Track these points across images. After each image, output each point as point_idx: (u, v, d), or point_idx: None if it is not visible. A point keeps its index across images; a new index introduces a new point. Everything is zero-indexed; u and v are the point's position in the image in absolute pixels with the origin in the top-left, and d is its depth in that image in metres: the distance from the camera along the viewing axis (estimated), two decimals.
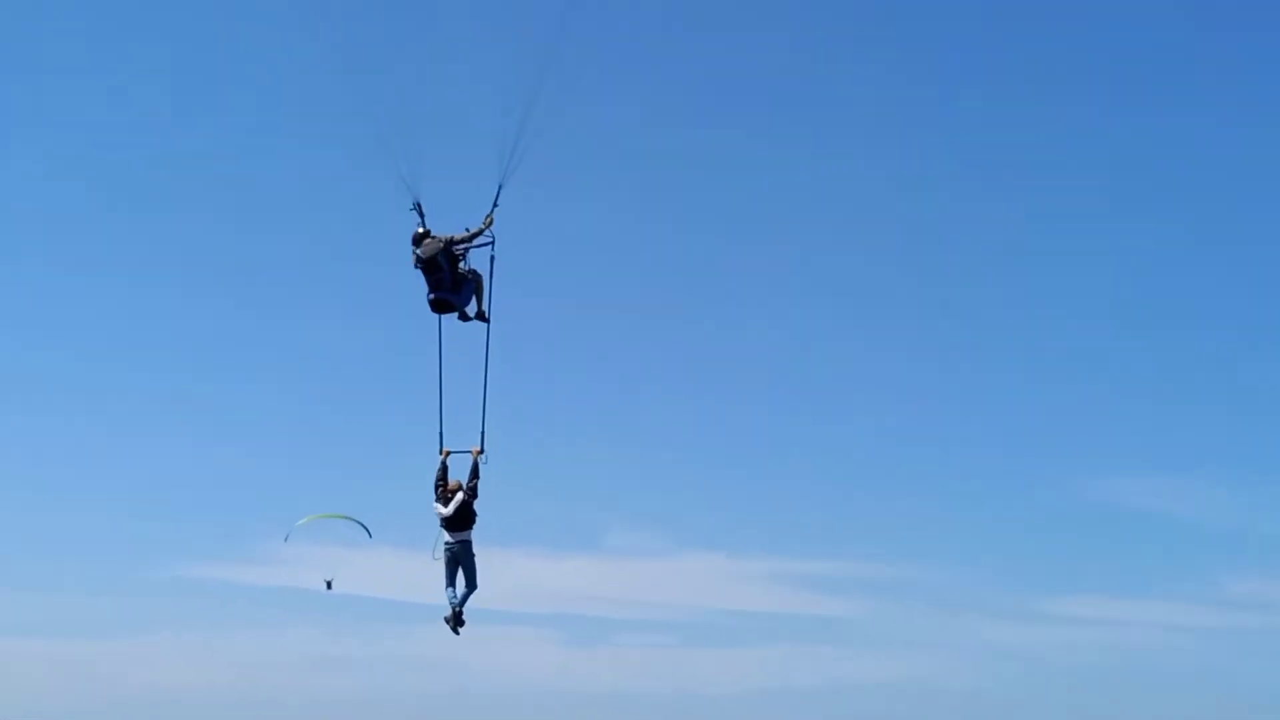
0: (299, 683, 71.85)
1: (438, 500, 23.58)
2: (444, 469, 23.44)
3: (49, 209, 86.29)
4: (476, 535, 23.34)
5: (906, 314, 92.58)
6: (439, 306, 20.87)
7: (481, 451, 22.56)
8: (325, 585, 54.56)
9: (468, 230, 20.41)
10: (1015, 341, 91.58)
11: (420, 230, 20.36)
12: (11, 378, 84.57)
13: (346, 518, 43.97)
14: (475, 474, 23.14)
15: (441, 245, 20.42)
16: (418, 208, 20.16)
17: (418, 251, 20.38)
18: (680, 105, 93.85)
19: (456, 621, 23.44)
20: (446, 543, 23.41)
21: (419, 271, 20.58)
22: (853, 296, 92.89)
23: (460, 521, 23.35)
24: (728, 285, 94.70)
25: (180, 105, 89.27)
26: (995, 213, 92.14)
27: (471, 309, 21.07)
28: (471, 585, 23.54)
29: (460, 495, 23.20)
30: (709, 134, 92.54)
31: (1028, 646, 75.65)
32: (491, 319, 21.23)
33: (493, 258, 20.20)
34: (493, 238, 20.40)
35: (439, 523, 23.60)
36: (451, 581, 23.40)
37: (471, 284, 20.83)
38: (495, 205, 20.06)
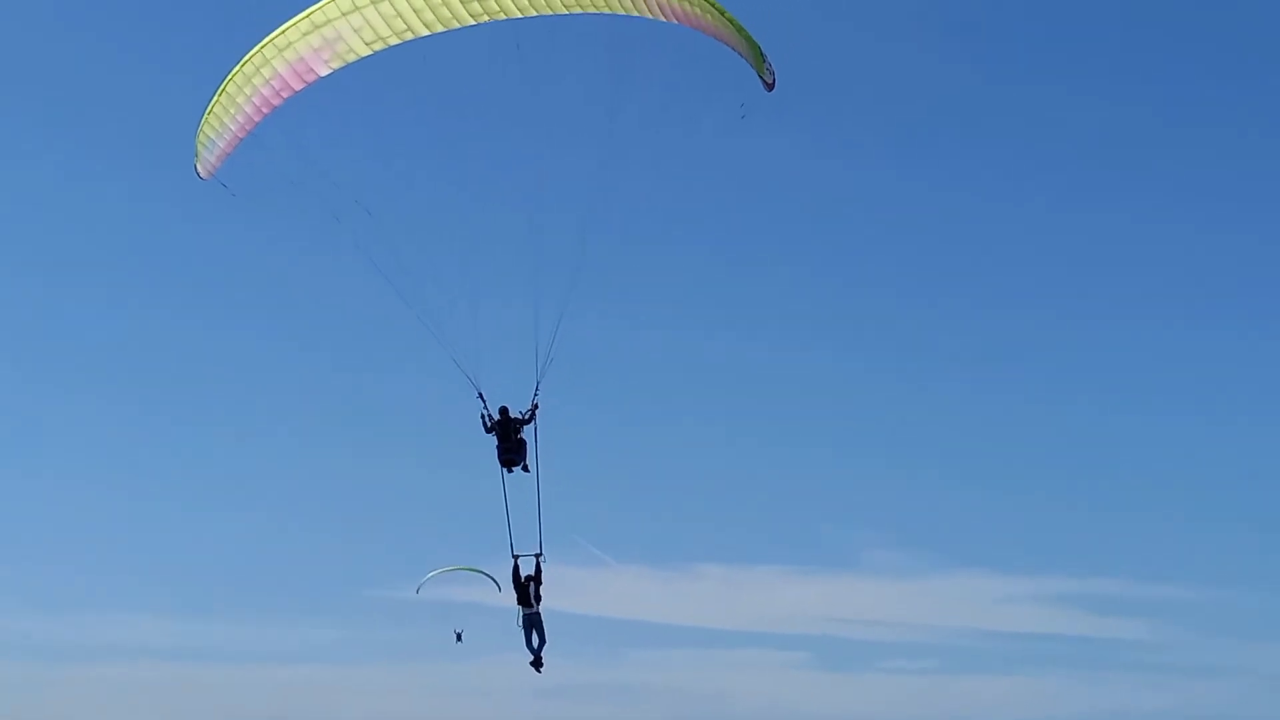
0: (535, 713, 68.44)
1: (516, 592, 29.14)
2: (516, 567, 28.69)
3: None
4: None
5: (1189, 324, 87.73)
6: (507, 464, 26.71)
7: (540, 554, 27.74)
8: (456, 637, 57.27)
9: (521, 414, 26.23)
10: None
11: (486, 420, 26.17)
12: (229, 403, 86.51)
13: (475, 570, 49.51)
14: (539, 572, 28.44)
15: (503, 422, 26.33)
16: (481, 397, 26.06)
17: (488, 428, 26.22)
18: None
19: (538, 664, 28.77)
20: (526, 613, 28.75)
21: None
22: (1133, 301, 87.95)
23: (530, 602, 28.83)
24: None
25: None
26: None
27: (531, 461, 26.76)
28: (543, 640, 28.81)
29: (530, 586, 28.58)
30: None
31: None
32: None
33: (535, 429, 26.03)
34: (534, 416, 26.18)
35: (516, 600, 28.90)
36: (529, 639, 28.74)
37: (525, 444, 26.67)
38: (537, 390, 25.93)
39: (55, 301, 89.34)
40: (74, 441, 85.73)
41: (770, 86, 25.04)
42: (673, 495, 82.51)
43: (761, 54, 24.48)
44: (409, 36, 21.91)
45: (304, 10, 22.47)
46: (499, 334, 24.74)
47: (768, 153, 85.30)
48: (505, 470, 25.64)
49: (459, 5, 22.07)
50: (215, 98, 23.23)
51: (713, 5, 23.36)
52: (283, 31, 22.61)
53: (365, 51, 21.95)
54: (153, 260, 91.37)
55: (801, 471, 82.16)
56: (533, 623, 27.17)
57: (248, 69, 22.77)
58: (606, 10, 22.59)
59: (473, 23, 21.90)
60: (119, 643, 74.67)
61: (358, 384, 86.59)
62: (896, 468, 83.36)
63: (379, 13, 22.26)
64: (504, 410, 25.72)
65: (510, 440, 25.67)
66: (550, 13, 22.14)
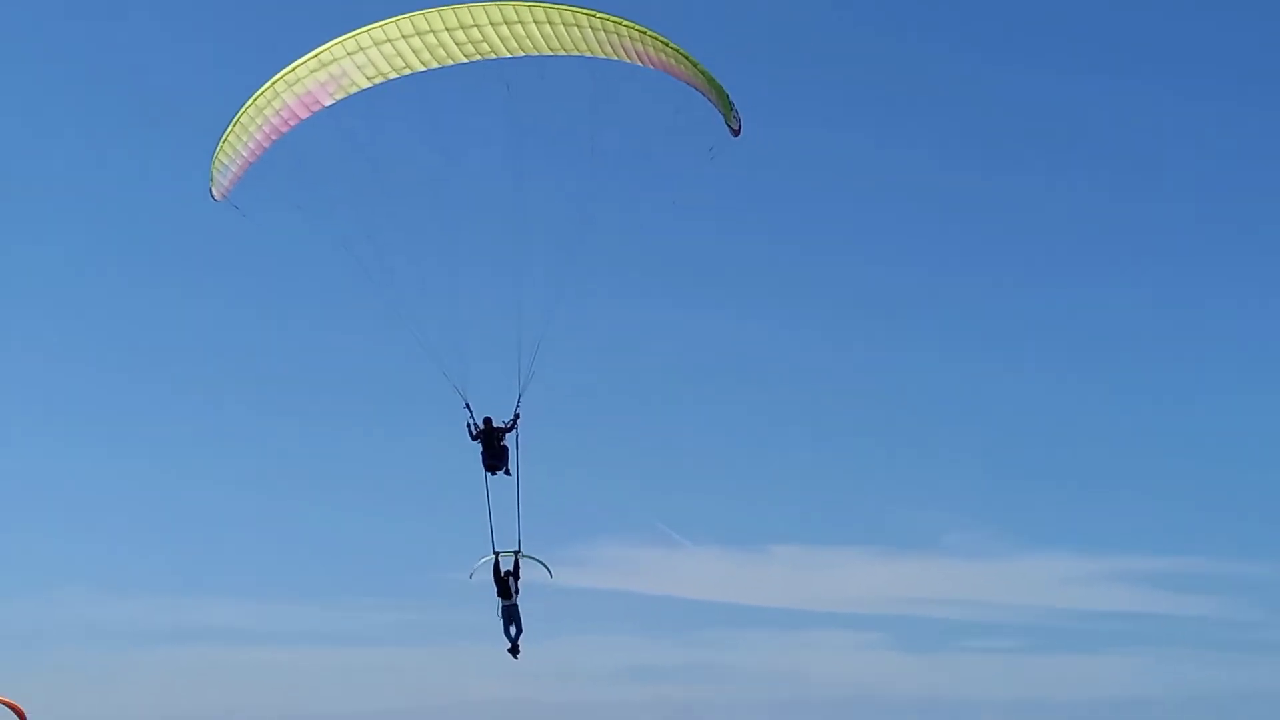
0: (616, 694, 69.21)
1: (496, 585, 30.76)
2: (497, 563, 30.31)
3: None
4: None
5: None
6: (490, 468, 28.76)
7: (519, 550, 29.49)
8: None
9: (504, 424, 28.32)
10: None
11: (472, 429, 28.26)
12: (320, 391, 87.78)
13: (529, 556, 50.51)
14: (517, 567, 30.09)
15: (486, 431, 28.40)
16: (468, 407, 28.15)
17: (473, 436, 28.29)
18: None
19: (515, 652, 30.47)
20: (505, 605, 30.34)
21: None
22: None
23: (509, 595, 30.46)
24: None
25: None
26: None
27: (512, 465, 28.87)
28: (520, 629, 30.30)
29: (509, 580, 30.17)
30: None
31: None
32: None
33: (517, 438, 28.09)
34: (515, 425, 28.29)
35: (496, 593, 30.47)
36: (507, 629, 30.34)
37: (507, 450, 28.80)
38: (519, 402, 28.00)
39: (139, 292, 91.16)
40: (151, 429, 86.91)
41: (736, 133, 27.26)
42: (749, 477, 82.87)
43: (730, 103, 26.73)
44: (406, 72, 24.27)
45: (311, 51, 24.91)
46: (485, 351, 26.89)
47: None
48: (488, 474, 27.70)
49: (454, 46, 24.44)
50: (229, 128, 25.50)
51: (685, 57, 25.64)
52: (293, 69, 24.93)
53: (366, 84, 24.31)
54: (237, 261, 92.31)
55: (878, 453, 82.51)
56: (511, 614, 29.04)
57: (260, 102, 25.06)
58: (587, 54, 24.89)
59: (465, 61, 24.23)
60: (190, 627, 75.41)
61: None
62: (974, 449, 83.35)
63: (380, 53, 24.65)
64: (488, 420, 27.81)
65: (493, 447, 27.74)
66: (535, 54, 24.46)
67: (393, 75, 24.36)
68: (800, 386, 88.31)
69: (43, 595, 75.45)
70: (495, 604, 28.58)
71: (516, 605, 28.72)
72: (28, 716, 49.01)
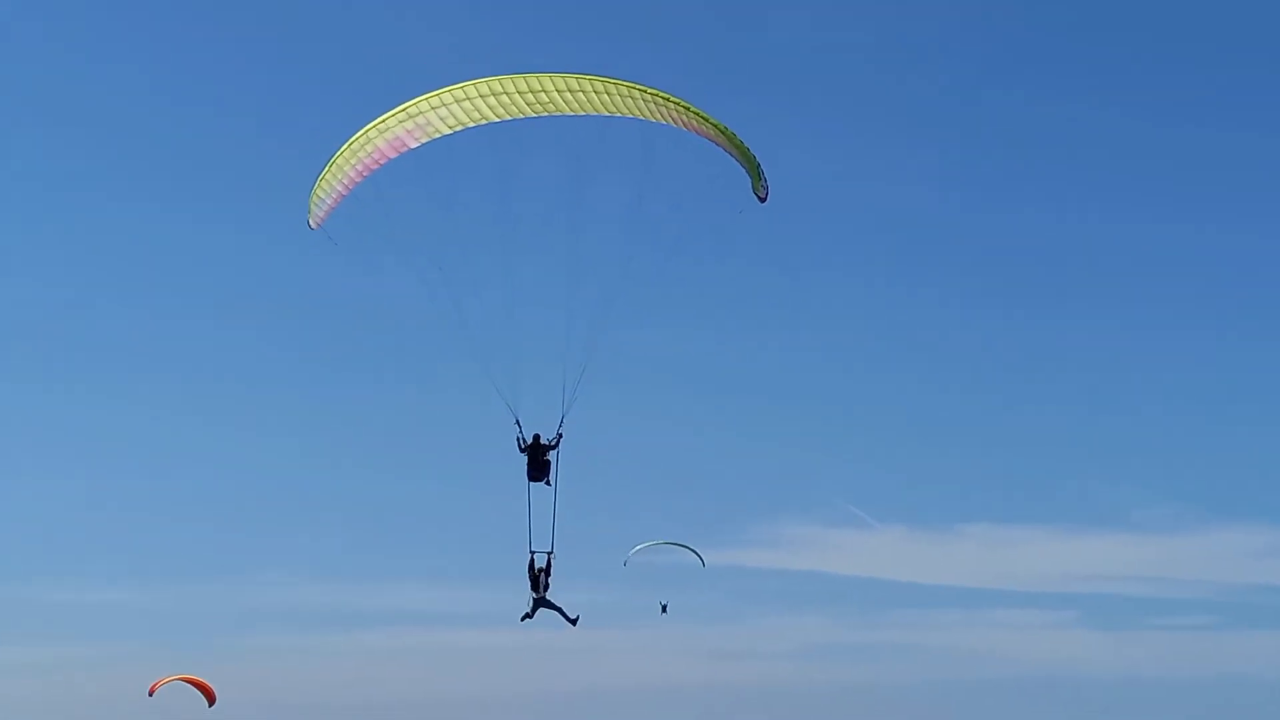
0: (803, 674, 70.48)
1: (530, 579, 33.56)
2: (532, 560, 33.13)
3: None
4: None
5: None
6: (533, 479, 32.29)
7: (551, 551, 32.55)
8: (661, 609, 58.00)
9: (549, 441, 31.99)
10: None
11: (521, 443, 31.95)
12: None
13: (681, 545, 53.23)
14: (549, 566, 33.02)
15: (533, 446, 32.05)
16: (518, 423, 31.78)
17: (521, 449, 31.93)
18: None
19: (571, 620, 33.06)
20: (535, 597, 33.14)
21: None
22: None
23: (538, 590, 33.22)
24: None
25: None
26: None
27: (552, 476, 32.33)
28: (559, 609, 32.70)
29: (540, 576, 33.05)
30: None
31: None
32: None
33: (558, 454, 31.68)
34: (558, 443, 31.89)
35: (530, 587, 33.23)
36: (534, 611, 32.91)
37: (550, 464, 32.31)
38: (561, 423, 31.64)
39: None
40: (347, 424, 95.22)
41: (763, 199, 31.01)
42: (934, 455, 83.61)
43: (760, 173, 30.48)
44: (481, 122, 28.31)
45: (400, 104, 29.04)
46: (535, 377, 30.59)
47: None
48: (531, 483, 31.22)
49: (524, 104, 28.52)
50: (327, 168, 29.56)
51: (723, 130, 29.47)
52: (384, 119, 29.03)
53: (447, 131, 28.35)
54: None
55: (1065, 430, 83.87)
56: (540, 603, 32.32)
57: (355, 145, 29.14)
58: (638, 116, 28.83)
59: (531, 115, 28.28)
60: (379, 610, 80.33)
61: None
62: (1162, 422, 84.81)
63: (460, 108, 28.74)
64: (536, 437, 31.45)
65: (538, 461, 31.32)
66: (590, 113, 28.47)
67: (469, 124, 28.38)
68: (984, 364, 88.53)
69: (243, 579, 78.24)
70: (527, 597, 31.97)
71: (545, 597, 31.98)
72: (217, 697, 52.51)
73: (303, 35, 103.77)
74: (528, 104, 28.55)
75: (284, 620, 78.15)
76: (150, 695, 52.26)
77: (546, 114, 28.46)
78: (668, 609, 59.83)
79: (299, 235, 30.91)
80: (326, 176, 29.59)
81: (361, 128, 29.17)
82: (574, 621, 31.98)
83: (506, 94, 28.63)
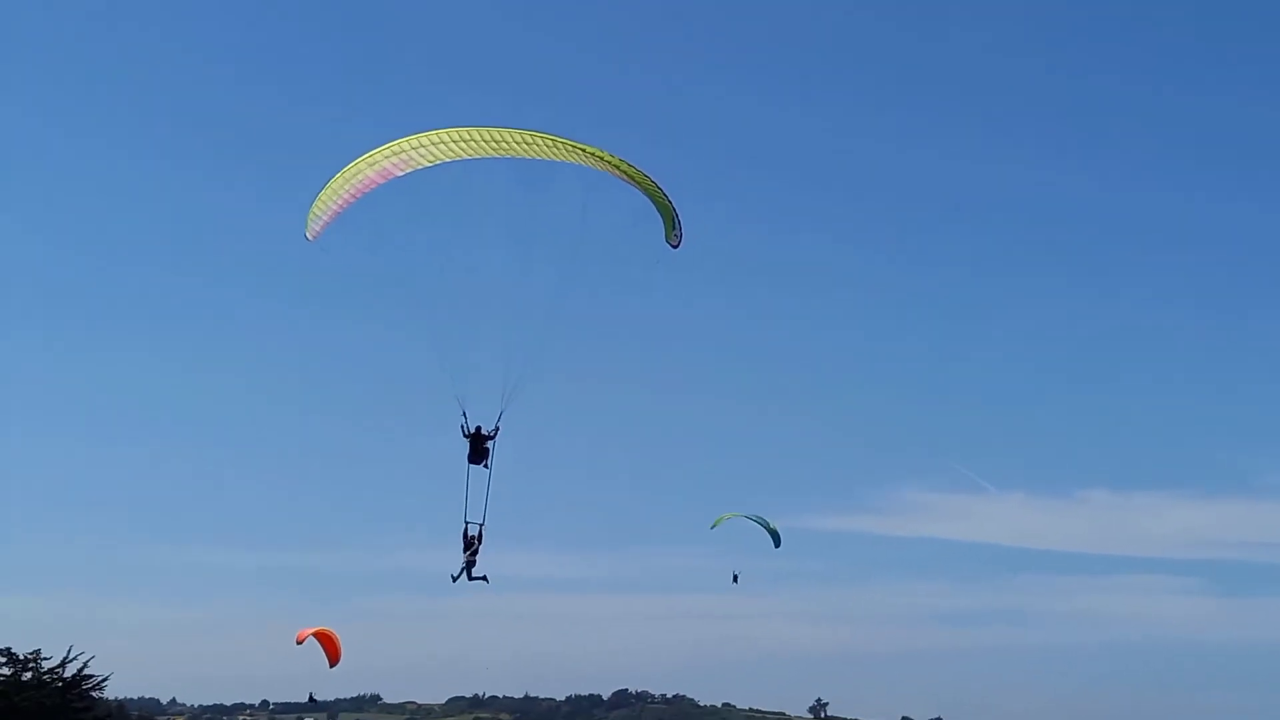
0: (923, 640, 67.45)
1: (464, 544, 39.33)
2: (466, 529, 38.88)
3: None
4: None
5: None
6: (473, 462, 38.51)
7: (482, 523, 38.52)
8: (733, 578, 61.52)
9: (488, 433, 38.40)
10: None
11: (465, 431, 38.37)
12: None
13: (760, 520, 58.07)
14: (479, 536, 38.73)
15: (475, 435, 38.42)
16: (464, 415, 38.14)
17: (465, 436, 38.25)
18: None
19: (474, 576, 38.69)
20: (467, 558, 38.92)
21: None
22: None
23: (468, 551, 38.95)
24: None
25: None
26: None
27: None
28: (472, 564, 38.84)
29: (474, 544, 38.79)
30: None
31: None
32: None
33: (495, 443, 38.24)
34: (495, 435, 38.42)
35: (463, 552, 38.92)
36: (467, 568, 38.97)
37: (489, 451, 38.57)
38: (499, 417, 38.15)
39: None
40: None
41: (675, 247, 37.88)
42: (1055, 421, 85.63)
43: (674, 222, 37.31)
44: (453, 159, 35.09)
45: (388, 142, 35.74)
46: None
47: None
48: (471, 465, 37.60)
49: (488, 146, 35.32)
50: (324, 190, 36.10)
51: (647, 179, 36.30)
52: (373, 154, 35.71)
53: (427, 164, 35.06)
54: None
55: (1189, 394, 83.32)
56: (469, 564, 38.33)
57: (348, 173, 35.75)
58: (582, 163, 35.69)
59: (498, 155, 35.12)
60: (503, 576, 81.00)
61: None
62: None
63: (436, 150, 35.47)
64: (478, 428, 37.84)
65: (479, 447, 37.76)
66: (541, 157, 35.34)
67: (443, 160, 35.10)
68: (1105, 332, 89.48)
69: (376, 547, 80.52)
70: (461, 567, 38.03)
71: (474, 560, 38.10)
72: (341, 649, 57.51)
73: None
74: (492, 148, 35.29)
75: (414, 585, 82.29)
76: (299, 643, 57.12)
77: (509, 155, 35.24)
78: (739, 579, 64.99)
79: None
80: (323, 196, 36.11)
81: (353, 160, 35.89)
82: (484, 579, 38.17)
83: (473, 140, 35.39)
